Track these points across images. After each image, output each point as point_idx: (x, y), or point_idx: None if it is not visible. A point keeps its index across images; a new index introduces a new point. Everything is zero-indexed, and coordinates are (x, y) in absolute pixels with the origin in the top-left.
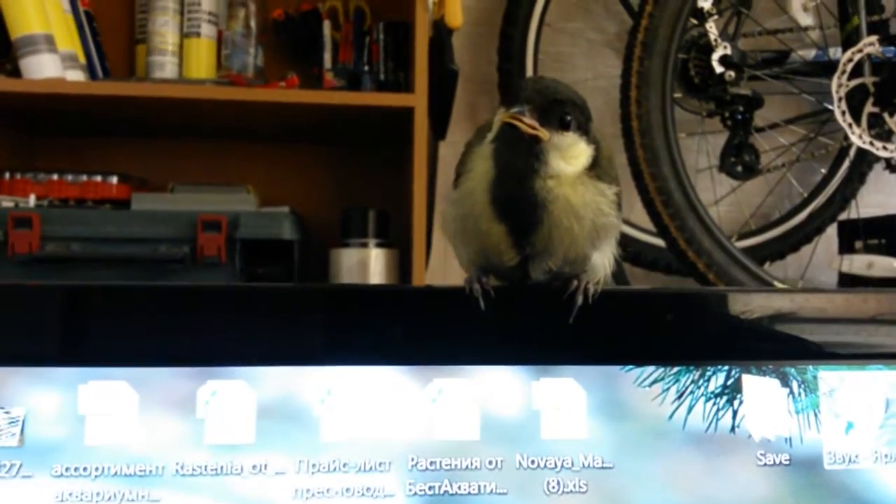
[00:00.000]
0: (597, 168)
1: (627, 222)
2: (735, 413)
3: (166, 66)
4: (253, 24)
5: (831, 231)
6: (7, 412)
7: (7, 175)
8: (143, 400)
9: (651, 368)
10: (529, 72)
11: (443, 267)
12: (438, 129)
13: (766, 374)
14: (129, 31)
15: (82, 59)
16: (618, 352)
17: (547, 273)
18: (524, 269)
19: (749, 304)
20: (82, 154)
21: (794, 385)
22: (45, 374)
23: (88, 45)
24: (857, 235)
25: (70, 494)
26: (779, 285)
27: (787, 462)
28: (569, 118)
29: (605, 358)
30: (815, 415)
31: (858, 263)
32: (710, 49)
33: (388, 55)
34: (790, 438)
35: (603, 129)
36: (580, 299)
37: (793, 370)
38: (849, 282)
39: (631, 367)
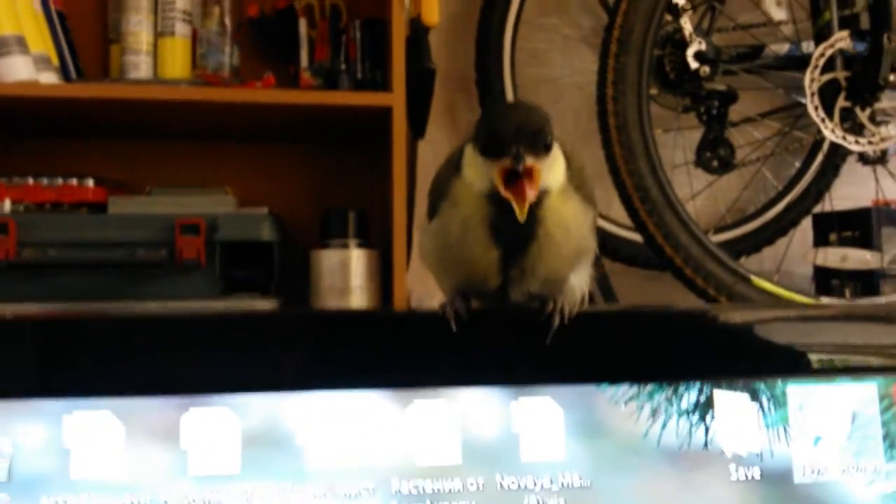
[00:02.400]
0: (572, 175)
1: (606, 218)
2: (707, 429)
3: (141, 66)
4: (228, 22)
5: (806, 224)
6: None
7: None
8: (128, 430)
9: (626, 387)
10: (507, 68)
11: (424, 266)
12: (417, 128)
13: (737, 390)
14: (102, 31)
15: (55, 61)
16: (593, 371)
17: (525, 295)
18: (504, 291)
19: (718, 321)
20: (57, 157)
21: (764, 400)
22: (30, 406)
23: (61, 46)
24: (831, 228)
25: None
26: (756, 280)
27: (759, 477)
28: (549, 140)
29: (581, 377)
30: (785, 429)
31: (833, 256)
32: (684, 45)
33: (365, 53)
34: (761, 453)
35: (581, 124)
36: (557, 320)
37: (762, 385)
38: (824, 274)
39: (606, 385)
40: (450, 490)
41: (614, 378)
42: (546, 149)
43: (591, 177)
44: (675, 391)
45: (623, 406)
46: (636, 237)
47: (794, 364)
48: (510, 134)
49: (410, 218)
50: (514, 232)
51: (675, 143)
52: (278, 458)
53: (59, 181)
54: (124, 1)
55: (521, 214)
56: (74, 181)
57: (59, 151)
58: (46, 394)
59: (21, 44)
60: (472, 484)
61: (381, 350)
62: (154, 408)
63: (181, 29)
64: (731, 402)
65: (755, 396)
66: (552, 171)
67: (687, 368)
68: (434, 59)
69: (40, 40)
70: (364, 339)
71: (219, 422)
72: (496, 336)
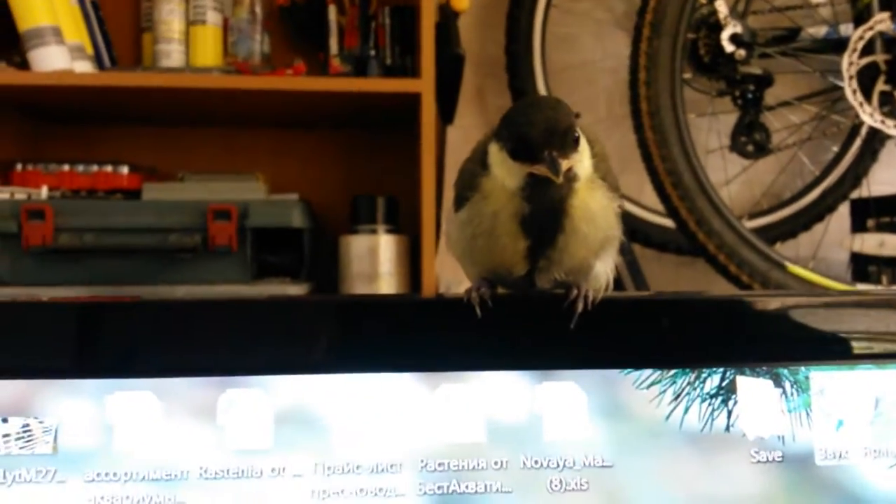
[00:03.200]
0: (597, 163)
1: (638, 203)
2: (730, 413)
3: (173, 55)
4: (258, 10)
5: (843, 209)
6: (41, 422)
7: (19, 166)
8: (166, 409)
9: (649, 371)
10: (537, 54)
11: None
12: (446, 113)
13: (760, 376)
14: (135, 20)
15: (89, 50)
16: (617, 356)
17: (551, 283)
18: (531, 279)
19: (741, 308)
20: (92, 144)
21: (787, 385)
22: (75, 385)
23: (95, 36)
24: (869, 214)
25: (101, 498)
26: (790, 266)
27: (780, 459)
28: (577, 136)
29: (604, 362)
30: (807, 413)
31: (870, 242)
32: (719, 27)
33: (394, 40)
34: (783, 436)
35: (613, 109)
36: (580, 306)
37: (785, 371)
38: (861, 261)
39: (630, 370)
40: (474, 467)
41: (637, 363)
42: (576, 144)
43: (610, 161)
44: (698, 376)
45: (646, 390)
46: (668, 223)
47: (816, 350)
48: (541, 138)
49: (439, 204)
50: (544, 224)
51: (710, 128)
52: (308, 435)
53: (95, 168)
54: None
55: (562, 176)
56: (109, 168)
57: (94, 139)
58: (88, 375)
59: (56, 34)
60: (495, 462)
61: (410, 335)
62: (192, 388)
63: (212, 17)
64: (753, 387)
65: (778, 382)
66: (581, 163)
67: (709, 354)
68: (463, 45)
69: (75, 30)
70: (392, 325)
71: (253, 402)
72: (521, 322)
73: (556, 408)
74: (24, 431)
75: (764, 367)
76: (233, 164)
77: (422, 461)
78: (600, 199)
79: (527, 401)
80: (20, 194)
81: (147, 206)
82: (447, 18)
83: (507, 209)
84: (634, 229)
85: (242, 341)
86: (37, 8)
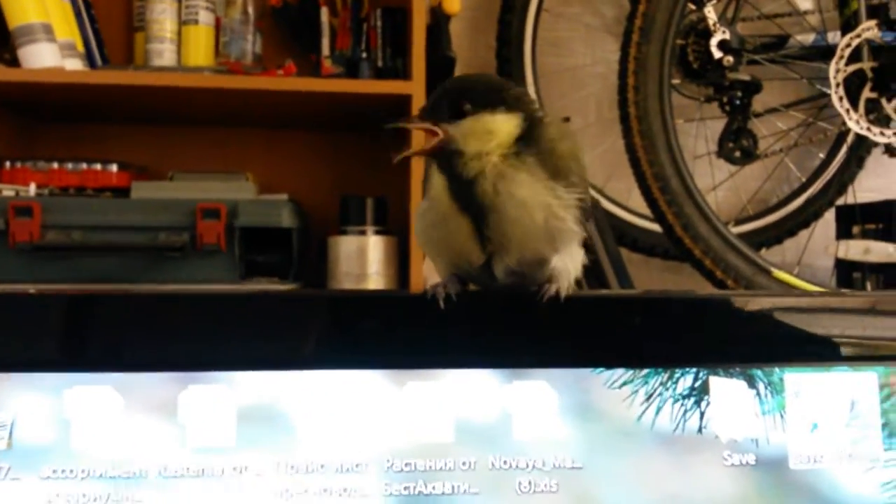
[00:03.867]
0: (537, 151)
1: (625, 208)
2: (702, 414)
3: (165, 54)
4: (251, 10)
5: (829, 216)
6: None
7: (7, 164)
8: (127, 404)
9: (620, 371)
10: (528, 58)
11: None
12: None
13: (734, 377)
14: (127, 19)
15: (81, 48)
16: (588, 355)
17: (510, 274)
18: (490, 270)
19: (715, 308)
20: (82, 142)
21: (761, 387)
22: (32, 379)
23: (87, 34)
24: (854, 220)
25: (57, 496)
26: (776, 272)
27: (754, 462)
28: (464, 105)
29: (575, 361)
30: (781, 416)
31: (855, 249)
32: (708, 34)
33: (385, 42)
34: (756, 439)
35: (603, 113)
36: (552, 290)
37: (759, 372)
38: (846, 267)
39: (601, 369)
40: (441, 468)
41: (609, 362)
42: (456, 114)
43: (578, 160)
44: (671, 376)
45: (618, 390)
46: (656, 227)
47: (791, 352)
48: (430, 98)
49: None
50: (468, 200)
51: (698, 133)
52: (272, 433)
53: (84, 166)
54: None
55: (395, 158)
56: (98, 166)
57: (84, 137)
58: (47, 368)
59: (47, 31)
60: (463, 463)
61: (376, 331)
62: (153, 384)
63: (204, 17)
64: (726, 389)
65: (752, 383)
66: (476, 135)
67: (682, 354)
68: (455, 49)
69: (66, 27)
70: (359, 320)
71: (215, 398)
72: (490, 319)
73: (526, 407)
74: None
75: (738, 368)
76: (223, 164)
77: (388, 461)
78: (530, 182)
79: (496, 400)
80: (8, 191)
81: (136, 205)
82: (438, 21)
83: (441, 187)
84: (622, 233)
85: (205, 336)
86: (27, 5)
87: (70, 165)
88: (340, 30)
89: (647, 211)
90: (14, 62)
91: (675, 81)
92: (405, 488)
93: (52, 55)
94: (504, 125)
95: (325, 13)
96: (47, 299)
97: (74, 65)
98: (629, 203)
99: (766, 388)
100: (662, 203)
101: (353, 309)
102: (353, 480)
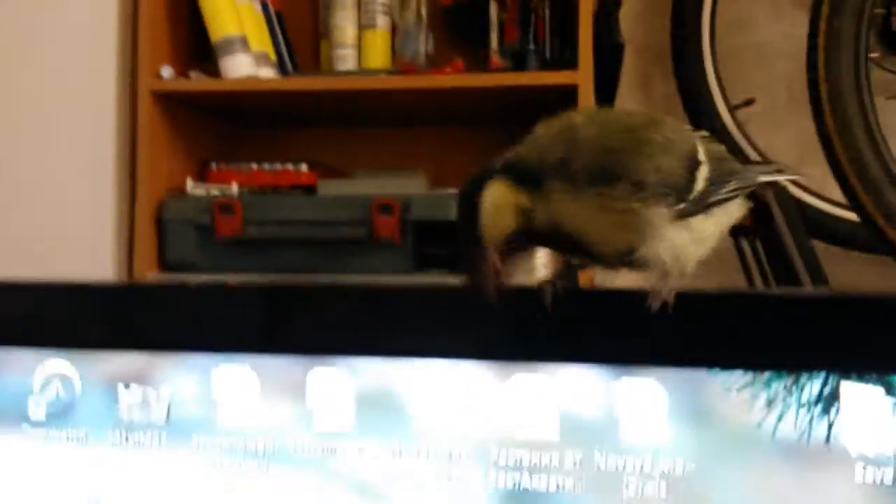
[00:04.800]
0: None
1: (819, 196)
2: (831, 424)
3: (347, 58)
4: (423, 11)
5: None
6: (157, 392)
7: (214, 165)
8: (262, 384)
9: (740, 373)
10: (705, 39)
11: None
12: (605, 103)
13: (869, 382)
14: (314, 27)
15: (273, 57)
16: (703, 354)
17: (609, 263)
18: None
19: (848, 307)
20: (277, 143)
21: None
22: (186, 359)
23: (279, 43)
24: None
25: (206, 465)
26: None
27: (891, 481)
28: None
29: (689, 360)
30: None
31: None
32: None
33: (553, 32)
34: (895, 455)
35: (794, 94)
36: (656, 306)
37: None
38: None
39: (718, 370)
40: (546, 464)
41: (727, 363)
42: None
43: (644, 142)
44: (796, 381)
45: (735, 393)
46: (855, 217)
47: None
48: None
49: None
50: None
51: None
52: (388, 419)
53: (278, 166)
54: None
55: None
56: (291, 166)
57: (278, 138)
58: (197, 349)
59: (244, 43)
60: (569, 460)
61: (485, 323)
62: (284, 365)
63: (381, 21)
64: (860, 396)
65: (890, 390)
66: None
67: (810, 357)
68: (628, 32)
69: (259, 39)
70: (468, 313)
71: (337, 381)
72: (598, 313)
73: (634, 406)
74: (143, 399)
75: (874, 374)
76: (401, 160)
77: (494, 456)
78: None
79: (603, 397)
80: (214, 191)
81: (321, 201)
82: (606, 7)
83: None
84: (817, 224)
85: (328, 323)
86: (226, 19)
87: (267, 166)
88: (509, 23)
89: (844, 199)
90: (216, 73)
91: (875, 55)
92: (510, 481)
93: (248, 65)
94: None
95: (493, 8)
96: (195, 289)
97: (267, 73)
98: (824, 191)
99: None
100: (860, 191)
101: (461, 302)
102: (460, 469)
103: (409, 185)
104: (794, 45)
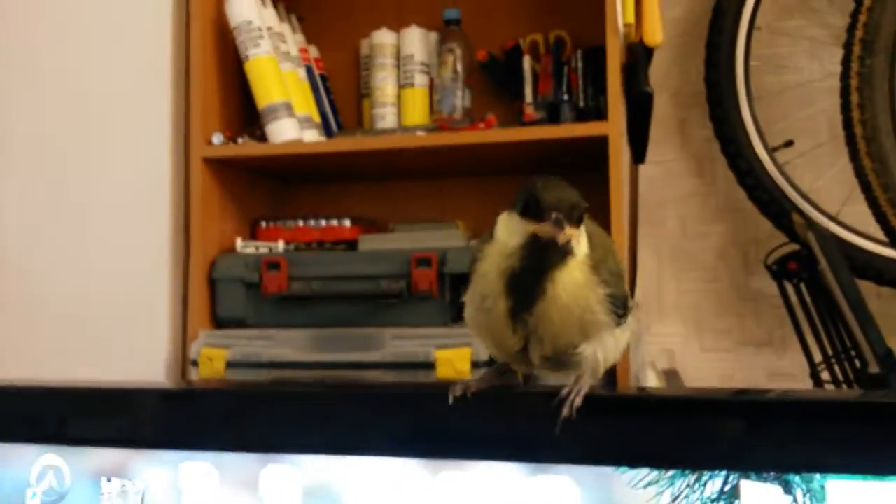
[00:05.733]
0: (590, 252)
1: (866, 236)
2: None
3: (387, 117)
4: (460, 68)
5: None
6: (134, 483)
7: (263, 224)
8: (221, 478)
9: (645, 470)
10: (740, 80)
11: (656, 287)
12: (637, 153)
13: (767, 481)
14: (356, 87)
15: (317, 119)
16: (610, 453)
17: (545, 360)
18: (526, 355)
19: (748, 409)
20: (322, 200)
21: (799, 494)
22: (158, 455)
23: (323, 105)
24: None
25: None
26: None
27: None
28: (583, 214)
29: (597, 458)
30: None
31: None
32: None
33: (586, 82)
34: None
35: (836, 131)
36: (565, 412)
37: (797, 478)
38: None
39: (624, 468)
40: None
41: (632, 461)
42: (579, 221)
43: (612, 253)
44: (699, 478)
45: (642, 490)
46: None
47: (834, 457)
48: (553, 201)
49: (634, 242)
50: (527, 285)
51: None
52: None
53: (323, 222)
54: (373, 59)
55: (563, 238)
56: (335, 222)
57: (323, 195)
58: (168, 447)
59: (288, 108)
60: None
61: (415, 421)
62: (241, 462)
63: (420, 80)
64: (759, 494)
65: (788, 489)
66: (579, 242)
67: (710, 455)
68: (662, 77)
69: (304, 103)
70: (401, 413)
71: (286, 477)
72: (516, 414)
73: (550, 502)
74: (122, 490)
75: (772, 473)
76: (440, 212)
77: None
78: (584, 281)
79: (522, 492)
80: (263, 248)
81: (362, 256)
82: (636, 57)
83: (498, 267)
84: (864, 265)
85: (280, 424)
86: (272, 87)
87: (312, 222)
88: (542, 75)
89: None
90: (263, 137)
91: None
92: None
93: (293, 128)
94: (584, 241)
95: (527, 61)
96: (161, 393)
97: (311, 136)
98: (870, 230)
99: (804, 495)
100: None
101: (393, 403)
102: None
103: (447, 238)
104: (834, 83)
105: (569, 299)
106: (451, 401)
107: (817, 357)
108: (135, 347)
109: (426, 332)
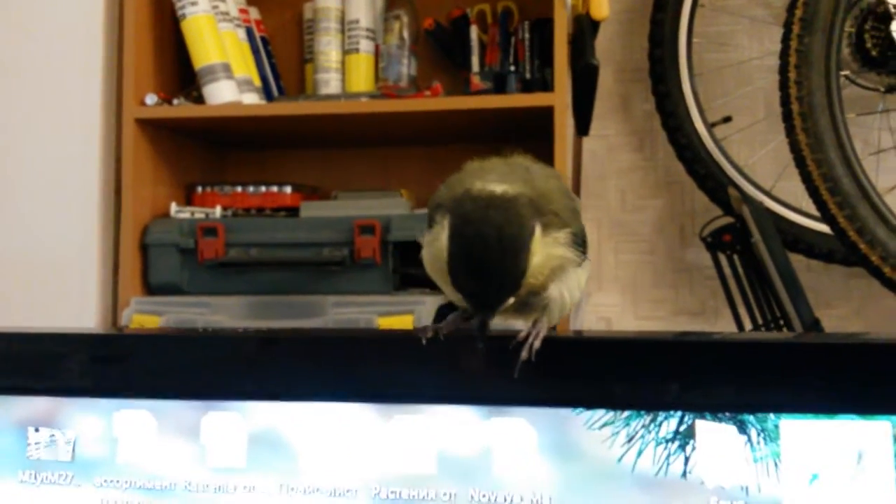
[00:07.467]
0: (549, 196)
1: (799, 210)
2: (687, 459)
3: (331, 82)
4: (406, 35)
5: None
6: (63, 433)
7: (199, 189)
8: (160, 426)
9: (601, 412)
10: (682, 57)
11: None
12: (581, 125)
13: (722, 421)
14: (300, 52)
15: (257, 82)
16: (568, 394)
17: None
18: None
19: (701, 349)
20: (261, 166)
21: (753, 433)
22: (90, 403)
23: (264, 69)
24: None
25: (106, 501)
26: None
27: None
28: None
29: (554, 400)
30: (776, 464)
31: None
32: (889, 17)
33: (533, 53)
34: (746, 487)
35: (773, 109)
36: (524, 355)
37: (751, 418)
38: None
39: (581, 409)
40: (423, 497)
41: (589, 403)
42: (521, 278)
43: (570, 193)
44: (654, 419)
45: (598, 430)
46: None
47: (787, 398)
48: (479, 301)
49: None
50: None
51: (881, 126)
52: (277, 457)
53: (263, 189)
54: (317, 23)
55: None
56: (275, 188)
57: (262, 161)
58: (101, 394)
59: (226, 69)
60: (444, 494)
61: (367, 367)
62: (181, 409)
63: (365, 45)
64: (714, 433)
65: (743, 429)
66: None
67: (665, 397)
68: (608, 53)
69: (243, 65)
70: (352, 357)
71: (230, 424)
72: (472, 357)
73: (506, 444)
74: (51, 440)
75: (726, 413)
76: (384, 181)
77: (375, 488)
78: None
79: (477, 436)
80: (198, 214)
81: (303, 223)
82: (581, 29)
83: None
84: (796, 238)
85: (223, 369)
86: (210, 47)
87: (251, 188)
88: (490, 45)
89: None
90: (200, 99)
91: (850, 72)
92: None
93: (231, 91)
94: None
95: (474, 30)
96: (99, 337)
97: (251, 99)
98: (803, 205)
99: (758, 434)
100: (833, 205)
101: (346, 347)
102: (345, 503)
103: (391, 206)
104: (773, 62)
105: (536, 245)
106: (424, 342)
107: (748, 326)
108: (63, 315)
109: (369, 300)
